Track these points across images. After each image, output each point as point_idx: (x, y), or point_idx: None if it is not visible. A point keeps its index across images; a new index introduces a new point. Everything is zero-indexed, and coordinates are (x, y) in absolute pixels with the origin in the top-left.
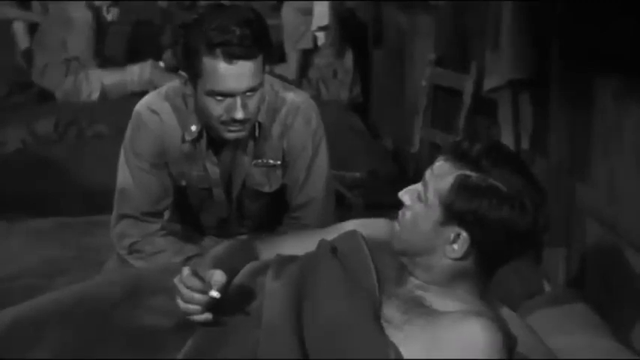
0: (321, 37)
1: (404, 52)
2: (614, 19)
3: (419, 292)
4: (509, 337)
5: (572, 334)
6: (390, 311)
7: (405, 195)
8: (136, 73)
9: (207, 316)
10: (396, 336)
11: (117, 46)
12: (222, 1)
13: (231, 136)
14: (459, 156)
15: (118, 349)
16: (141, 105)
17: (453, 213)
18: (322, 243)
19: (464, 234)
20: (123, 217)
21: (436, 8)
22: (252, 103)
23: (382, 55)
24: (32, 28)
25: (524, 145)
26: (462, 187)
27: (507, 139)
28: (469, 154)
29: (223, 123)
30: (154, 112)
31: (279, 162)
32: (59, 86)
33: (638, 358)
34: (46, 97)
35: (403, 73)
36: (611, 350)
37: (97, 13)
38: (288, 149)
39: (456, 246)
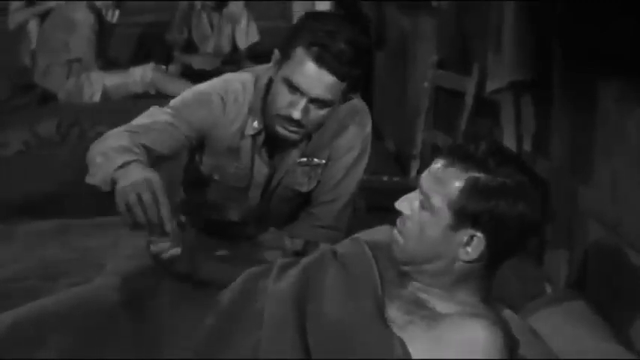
0: None
1: (406, 53)
2: (615, 20)
3: (421, 295)
4: (511, 338)
5: (575, 337)
6: (393, 312)
7: (403, 204)
8: (137, 75)
9: (177, 250)
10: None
11: (122, 48)
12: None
13: (282, 132)
14: (463, 159)
15: (119, 352)
16: (212, 87)
17: (465, 216)
18: (323, 247)
19: (479, 235)
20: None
21: (438, 10)
22: (316, 114)
23: (384, 57)
24: None
25: (527, 146)
26: (473, 189)
27: (509, 141)
28: (474, 155)
29: (280, 116)
30: (222, 98)
31: (323, 161)
32: (61, 87)
33: None
34: (48, 98)
35: (405, 74)
36: (613, 353)
37: (99, 15)
38: (337, 147)
39: (469, 248)
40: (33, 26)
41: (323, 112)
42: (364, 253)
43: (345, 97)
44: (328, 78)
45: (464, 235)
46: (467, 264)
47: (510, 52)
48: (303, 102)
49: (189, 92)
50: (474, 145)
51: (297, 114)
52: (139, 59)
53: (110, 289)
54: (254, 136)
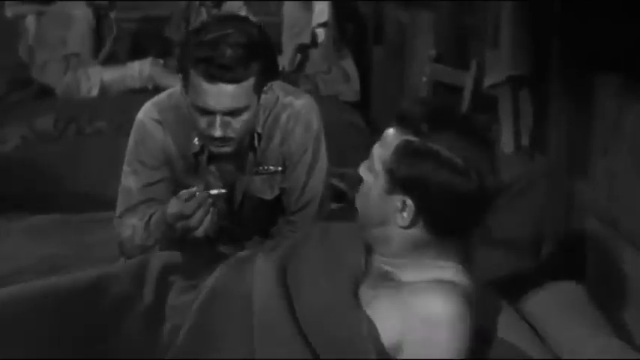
0: (320, 33)
1: (404, 48)
2: (613, 17)
3: (387, 268)
4: (471, 304)
5: (570, 328)
6: (362, 289)
7: (361, 168)
8: (135, 69)
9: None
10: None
11: (120, 43)
12: (228, 14)
13: (215, 150)
14: (402, 122)
15: (109, 346)
16: (145, 114)
17: (396, 180)
18: (315, 224)
19: (409, 201)
20: (125, 212)
21: (436, 5)
22: (238, 122)
23: (382, 52)
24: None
25: (524, 141)
26: (402, 152)
27: (507, 136)
28: (412, 119)
29: (205, 137)
30: (158, 122)
31: (280, 168)
32: (59, 83)
33: (638, 356)
34: (46, 93)
35: (403, 69)
36: (610, 347)
37: (97, 11)
38: (289, 154)
39: (405, 214)
40: (30, 22)
41: (244, 116)
42: (351, 229)
43: (260, 89)
44: (227, 88)
45: (397, 200)
46: (408, 230)
47: (508, 47)
48: (217, 120)
49: (130, 142)
50: (412, 107)
51: (217, 133)
52: (136, 54)
53: (103, 281)
54: (199, 155)
